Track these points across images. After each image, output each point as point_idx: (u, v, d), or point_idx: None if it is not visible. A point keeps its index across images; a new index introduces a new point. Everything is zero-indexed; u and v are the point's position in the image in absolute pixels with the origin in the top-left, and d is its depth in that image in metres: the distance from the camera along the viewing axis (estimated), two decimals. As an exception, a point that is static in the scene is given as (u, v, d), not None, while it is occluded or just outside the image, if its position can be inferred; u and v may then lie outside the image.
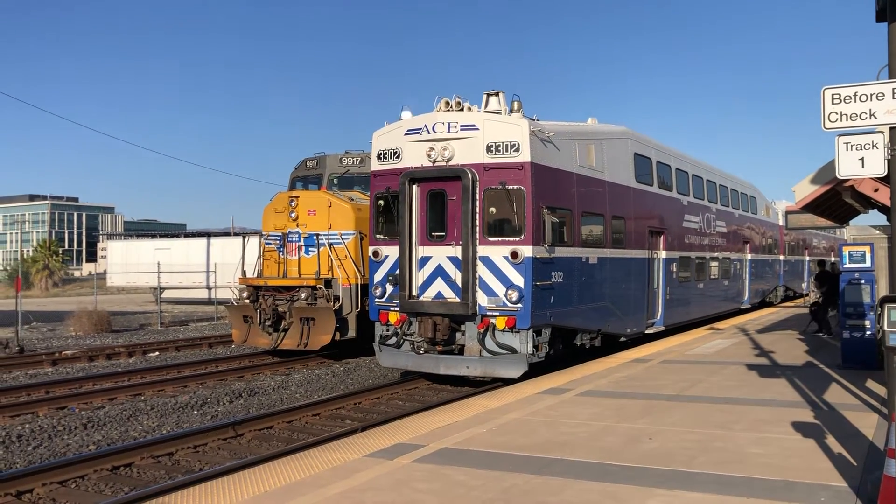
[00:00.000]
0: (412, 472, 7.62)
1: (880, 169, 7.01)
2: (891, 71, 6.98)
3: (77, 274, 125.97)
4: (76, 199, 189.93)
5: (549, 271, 14.29)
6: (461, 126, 14.28)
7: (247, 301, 19.25)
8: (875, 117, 6.98)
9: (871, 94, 7.00)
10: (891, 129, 6.96)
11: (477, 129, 14.16)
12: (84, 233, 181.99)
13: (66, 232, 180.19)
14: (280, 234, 19.38)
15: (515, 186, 13.82)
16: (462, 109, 14.61)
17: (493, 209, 14.11)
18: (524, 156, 13.81)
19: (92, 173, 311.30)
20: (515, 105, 14.34)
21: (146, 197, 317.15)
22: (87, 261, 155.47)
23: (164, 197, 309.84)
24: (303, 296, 18.46)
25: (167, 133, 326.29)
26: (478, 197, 14.06)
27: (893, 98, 6.85)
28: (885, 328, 5.80)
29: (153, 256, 41.73)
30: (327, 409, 13.61)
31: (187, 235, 52.69)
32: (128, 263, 46.92)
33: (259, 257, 20.22)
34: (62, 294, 65.97)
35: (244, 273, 19.99)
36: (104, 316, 29.49)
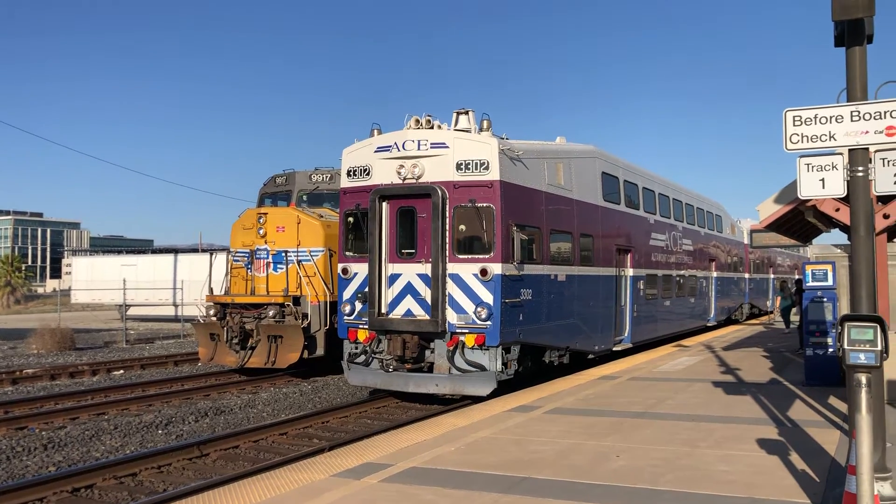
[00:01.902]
0: (379, 491, 7.56)
1: (840, 189, 7.14)
2: (849, 94, 7.13)
3: (40, 290, 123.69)
4: (40, 215, 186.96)
5: (518, 289, 14.35)
6: (431, 144, 14.34)
7: (214, 318, 19.02)
8: (835, 139, 7.12)
9: (831, 117, 7.14)
10: (850, 150, 7.11)
11: (447, 147, 14.22)
12: (48, 249, 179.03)
13: (30, 248, 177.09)
14: (248, 250, 19.23)
15: (485, 204, 13.89)
16: (432, 127, 14.68)
17: (462, 227, 14.16)
18: (493, 174, 13.89)
19: (57, 188, 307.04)
20: (485, 124, 14.44)
21: (113, 213, 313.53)
22: (52, 277, 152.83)
23: (131, 213, 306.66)
24: (271, 313, 18.30)
25: (134, 148, 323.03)
26: (447, 214, 14.10)
27: (852, 121, 7.00)
28: (845, 346, 5.89)
29: (119, 273, 41.09)
30: (294, 428, 13.47)
31: (154, 252, 52.11)
32: (93, 280, 46.15)
33: (227, 274, 20.02)
34: (24, 311, 64.71)
35: (211, 290, 19.78)
36: (67, 333, 28.93)
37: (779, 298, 31.56)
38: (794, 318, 27.21)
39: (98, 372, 21.36)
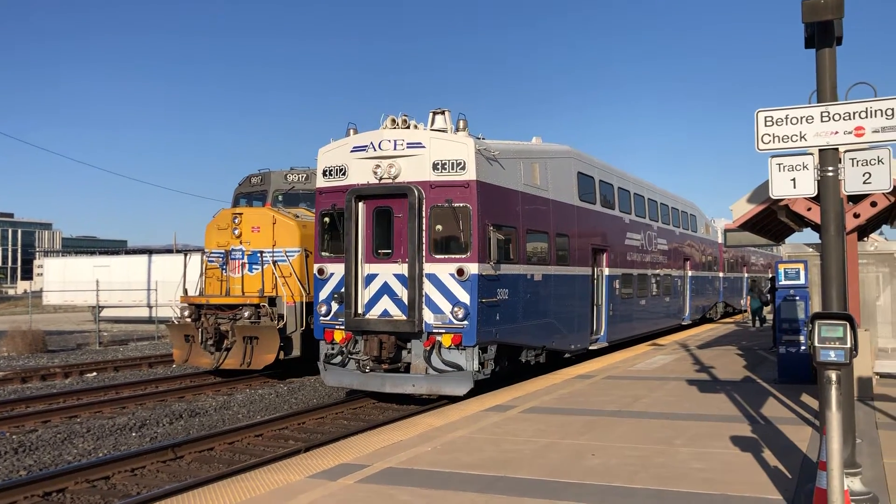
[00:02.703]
0: (355, 492, 7.53)
1: (811, 189, 7.22)
2: (819, 95, 7.22)
3: (11, 292, 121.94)
4: (11, 215, 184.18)
5: (494, 288, 14.37)
6: (407, 144, 14.32)
7: (188, 320, 18.85)
8: (805, 139, 7.20)
9: (802, 117, 7.22)
10: (820, 150, 7.20)
11: (423, 146, 14.22)
12: (19, 250, 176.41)
13: (1, 249, 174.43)
14: (223, 251, 19.08)
15: (461, 204, 13.90)
16: (408, 127, 14.66)
17: (439, 226, 14.15)
18: (470, 174, 13.91)
19: (28, 188, 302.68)
20: (461, 123, 14.45)
21: (85, 213, 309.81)
22: (23, 278, 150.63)
23: (104, 213, 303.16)
24: (246, 314, 18.17)
25: (107, 147, 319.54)
26: (424, 214, 14.09)
27: (822, 121, 7.09)
28: (816, 344, 5.96)
29: (92, 274, 40.58)
30: (270, 429, 13.39)
31: (128, 252, 51.49)
32: (66, 281, 45.51)
33: (201, 275, 19.85)
34: (-5, 313, 63.64)
35: (186, 291, 19.60)
36: (39, 335, 28.49)
37: (749, 298, 31.87)
38: (769, 315, 27.52)
39: (70, 374, 21.08)
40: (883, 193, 10.32)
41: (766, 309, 30.09)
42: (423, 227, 14.10)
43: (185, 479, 10.23)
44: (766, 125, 7.37)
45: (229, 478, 8.78)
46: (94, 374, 21.45)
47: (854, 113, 6.96)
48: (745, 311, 42.20)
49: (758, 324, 30.45)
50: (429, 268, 14.06)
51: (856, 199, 10.80)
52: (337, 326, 14.89)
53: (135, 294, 41.37)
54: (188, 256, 21.81)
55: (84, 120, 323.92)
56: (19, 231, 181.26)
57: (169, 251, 48.07)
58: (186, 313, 19.00)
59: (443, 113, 14.83)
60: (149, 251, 47.25)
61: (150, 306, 40.35)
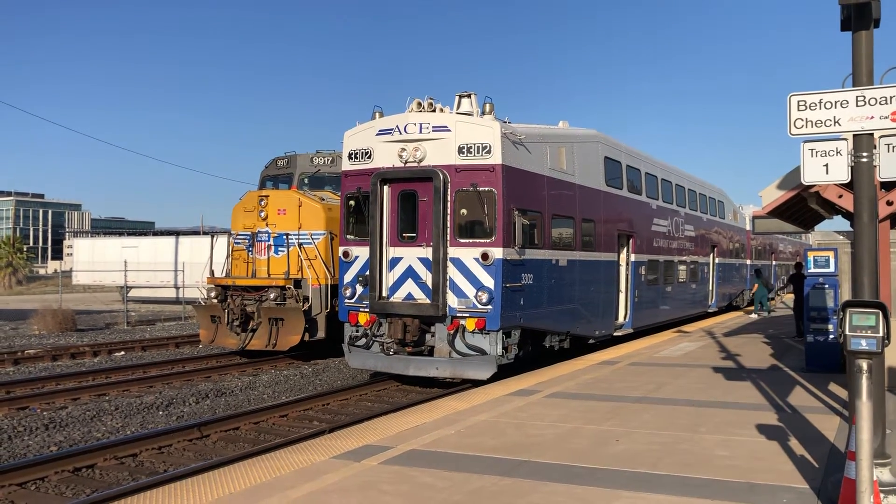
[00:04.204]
0: (379, 473, 7.58)
1: (844, 175, 7.09)
2: (855, 79, 7.07)
3: (42, 272, 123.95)
4: (42, 196, 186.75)
5: (519, 273, 14.33)
6: (433, 127, 14.28)
7: (215, 301, 19.03)
8: (839, 124, 7.06)
9: (836, 102, 7.07)
10: (854, 136, 7.05)
11: (449, 130, 14.16)
12: (50, 230, 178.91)
13: (32, 229, 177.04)
14: (249, 233, 19.21)
15: (486, 188, 13.84)
16: (434, 111, 14.60)
17: (464, 211, 14.12)
18: (496, 158, 13.84)
19: (58, 169, 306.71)
20: (487, 107, 14.36)
21: (114, 194, 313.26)
22: (53, 258, 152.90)
23: (132, 194, 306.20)
24: (272, 296, 18.31)
25: (136, 130, 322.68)
26: (449, 198, 14.06)
27: (857, 106, 6.93)
28: (847, 332, 5.87)
29: (120, 255, 41.11)
30: (295, 410, 13.51)
31: (156, 234, 52.07)
32: (94, 261, 46.16)
33: (228, 257, 20.02)
34: (26, 292, 64.77)
35: (212, 272, 19.77)
36: (69, 314, 28.98)
37: (756, 286, 31.51)
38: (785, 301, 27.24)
39: (99, 353, 21.41)
40: (918, 180, 10.12)
41: (790, 295, 29.72)
42: (448, 211, 14.07)
43: (211, 458, 10.36)
44: (798, 109, 7.23)
45: (255, 457, 8.88)
46: (123, 353, 21.77)
47: (891, 97, 6.80)
48: (773, 299, 41.75)
49: (763, 312, 30.17)
50: (453, 252, 14.05)
51: (888, 186, 10.61)
52: (361, 309, 14.95)
53: (162, 275, 41.85)
54: (215, 238, 22.01)
55: (113, 102, 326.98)
56: (49, 211, 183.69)
57: (196, 233, 48.56)
58: (213, 294, 19.18)
59: (469, 96, 14.74)
60: (176, 233, 47.74)
61: (177, 287, 40.83)
